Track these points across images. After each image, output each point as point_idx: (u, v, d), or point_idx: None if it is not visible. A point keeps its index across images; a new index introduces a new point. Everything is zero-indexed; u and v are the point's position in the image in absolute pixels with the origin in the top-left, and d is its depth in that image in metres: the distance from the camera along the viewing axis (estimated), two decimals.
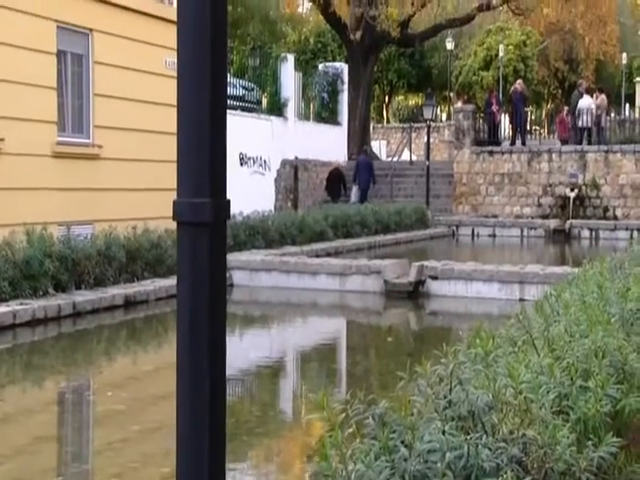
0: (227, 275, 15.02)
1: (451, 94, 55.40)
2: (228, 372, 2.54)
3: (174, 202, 2.47)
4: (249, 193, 22.81)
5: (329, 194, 29.83)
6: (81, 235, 13.88)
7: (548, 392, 3.58)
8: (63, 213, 15.65)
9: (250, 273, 15.66)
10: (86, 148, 16.77)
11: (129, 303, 12.82)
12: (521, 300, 13.44)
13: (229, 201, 2.52)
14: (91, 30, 16.80)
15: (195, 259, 2.48)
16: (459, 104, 37.73)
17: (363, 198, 29.61)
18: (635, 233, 24.00)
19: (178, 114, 2.49)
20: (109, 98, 17.10)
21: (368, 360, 11.04)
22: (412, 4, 35.45)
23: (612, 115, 34.46)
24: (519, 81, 34.76)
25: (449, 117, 51.10)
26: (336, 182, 29.81)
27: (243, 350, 10.97)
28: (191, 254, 2.48)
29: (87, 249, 12.95)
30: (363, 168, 30.11)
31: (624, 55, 56.45)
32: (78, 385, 9.48)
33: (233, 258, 15.65)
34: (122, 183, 17.25)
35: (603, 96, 31.36)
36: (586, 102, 30.08)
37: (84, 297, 12.17)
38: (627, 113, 39.97)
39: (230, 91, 25.14)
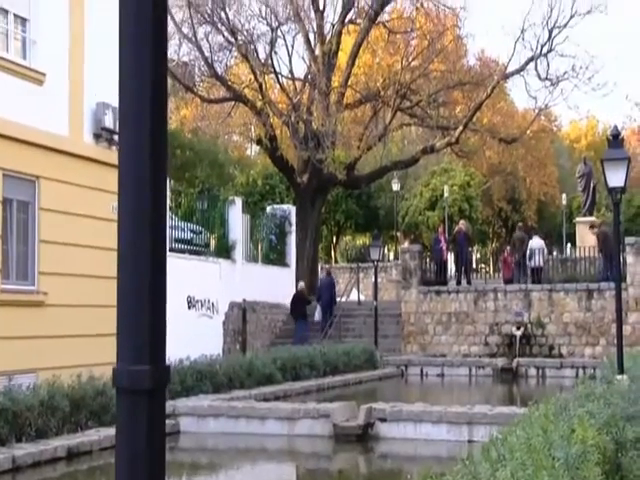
0: (174, 422, 14.78)
1: (398, 234, 56.23)
2: None
3: (113, 369, 2.47)
4: (196, 336, 22.68)
5: (293, 316, 30.14)
6: (23, 385, 13.60)
7: None
8: (4, 363, 15.37)
9: (197, 419, 15.42)
10: (30, 295, 16.64)
11: (72, 455, 12.49)
12: (470, 442, 13.36)
13: (169, 367, 2.52)
14: (37, 177, 16.90)
15: (133, 425, 2.48)
16: (406, 244, 38.28)
17: (325, 316, 30.44)
18: (581, 371, 24.13)
19: (118, 276, 2.51)
20: (55, 244, 17.09)
21: None
22: (358, 147, 36.33)
23: (555, 254, 35.11)
24: (462, 221, 35.44)
25: (396, 256, 51.60)
26: (299, 304, 30.17)
27: None
28: (129, 420, 2.48)
29: (29, 400, 12.65)
30: (325, 287, 31.20)
31: (564, 196, 58.07)
32: None
33: (180, 404, 15.43)
34: (67, 329, 17.06)
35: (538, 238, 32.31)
36: (537, 243, 30.75)
37: (24, 450, 11.82)
38: (569, 252, 40.73)
39: (178, 234, 25.30)
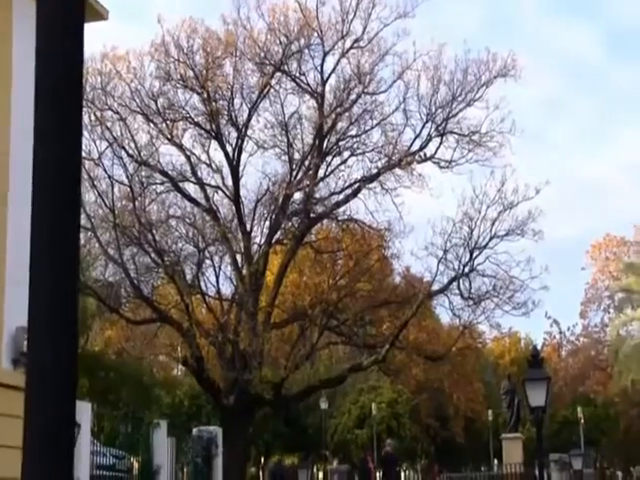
0: None
1: (327, 453, 55.38)
2: None
3: None
4: None
5: None
6: None
7: None
8: None
9: None
10: None
11: None
12: None
13: None
14: None
15: None
16: (335, 464, 37.79)
17: None
18: None
19: None
20: None
21: None
22: (285, 367, 36.19)
23: (482, 470, 34.92)
24: (389, 441, 35.15)
25: (325, 476, 50.72)
26: None
27: None
28: None
29: None
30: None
31: (490, 412, 58.18)
32: None
33: None
34: None
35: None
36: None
37: None
38: (496, 469, 40.50)
39: (100, 460, 24.60)
